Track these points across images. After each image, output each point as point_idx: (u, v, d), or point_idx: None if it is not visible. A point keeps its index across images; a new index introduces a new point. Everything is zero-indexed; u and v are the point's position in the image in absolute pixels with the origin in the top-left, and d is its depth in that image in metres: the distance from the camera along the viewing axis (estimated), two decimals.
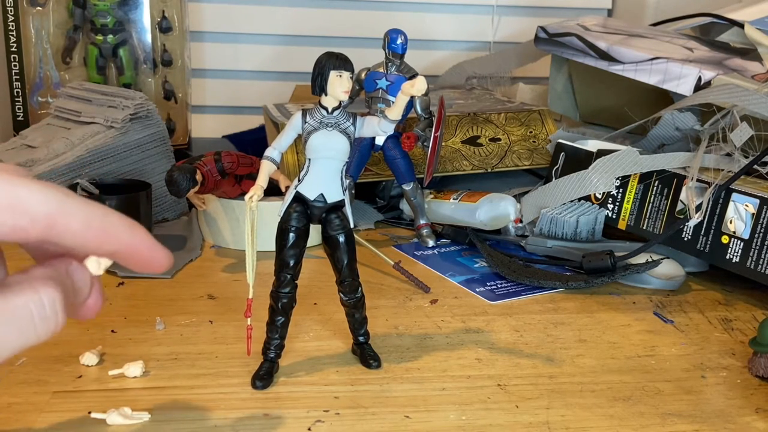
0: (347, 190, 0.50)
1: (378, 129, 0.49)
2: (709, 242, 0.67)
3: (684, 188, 0.69)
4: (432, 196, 0.86)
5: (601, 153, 0.77)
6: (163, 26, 0.97)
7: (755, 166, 0.68)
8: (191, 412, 0.46)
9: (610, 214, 0.76)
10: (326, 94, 0.48)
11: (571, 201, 0.77)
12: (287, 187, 0.61)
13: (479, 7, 1.24)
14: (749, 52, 0.85)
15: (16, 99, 0.96)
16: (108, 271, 0.68)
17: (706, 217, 0.67)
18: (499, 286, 0.69)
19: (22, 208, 0.27)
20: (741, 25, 0.90)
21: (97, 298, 0.32)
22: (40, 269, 0.29)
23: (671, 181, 0.71)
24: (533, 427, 0.46)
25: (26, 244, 0.31)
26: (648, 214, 0.73)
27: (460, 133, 0.90)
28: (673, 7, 1.13)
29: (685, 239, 0.69)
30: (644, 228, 0.73)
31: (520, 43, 1.15)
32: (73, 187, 0.74)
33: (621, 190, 0.76)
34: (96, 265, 0.31)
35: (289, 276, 0.49)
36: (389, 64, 0.77)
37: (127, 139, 0.81)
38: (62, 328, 0.28)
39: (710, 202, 0.66)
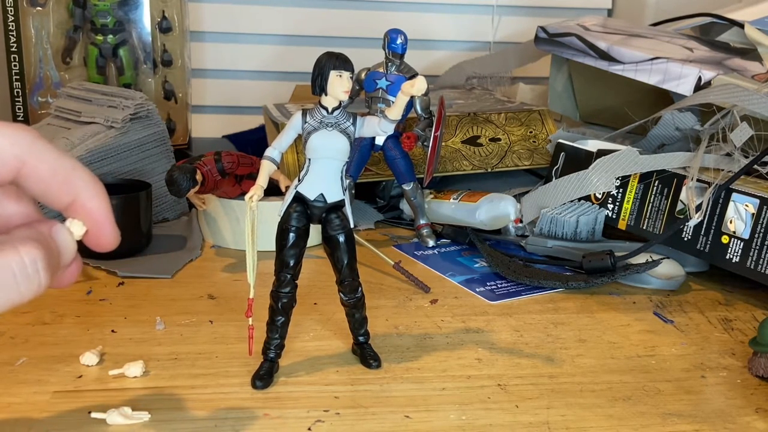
0: (347, 190, 0.50)
1: (378, 129, 0.49)
2: (709, 242, 0.67)
3: (684, 188, 0.69)
4: (432, 196, 0.86)
5: (601, 153, 0.77)
6: (163, 26, 0.97)
7: (755, 166, 0.68)
8: (191, 412, 0.46)
9: (610, 214, 0.76)
10: (326, 94, 0.48)
11: (571, 201, 0.77)
12: (287, 187, 0.61)
13: (479, 7, 1.24)
14: (749, 52, 0.85)
15: (16, 99, 0.95)
16: (108, 271, 0.68)
17: (706, 217, 0.67)
18: (499, 286, 0.69)
19: None
20: (741, 25, 0.90)
21: (78, 263, 0.32)
22: (21, 230, 0.29)
23: (671, 181, 0.71)
24: (533, 427, 0.46)
25: None
26: (648, 214, 0.73)
27: (460, 133, 0.90)
28: (673, 7, 1.13)
29: (685, 239, 0.69)
30: (644, 228, 0.73)
31: (520, 43, 1.15)
32: None
33: (621, 190, 0.76)
34: (78, 228, 0.31)
35: (289, 276, 0.49)
36: (389, 64, 0.77)
37: (127, 139, 0.81)
38: (45, 289, 0.28)
39: (710, 202, 0.66)
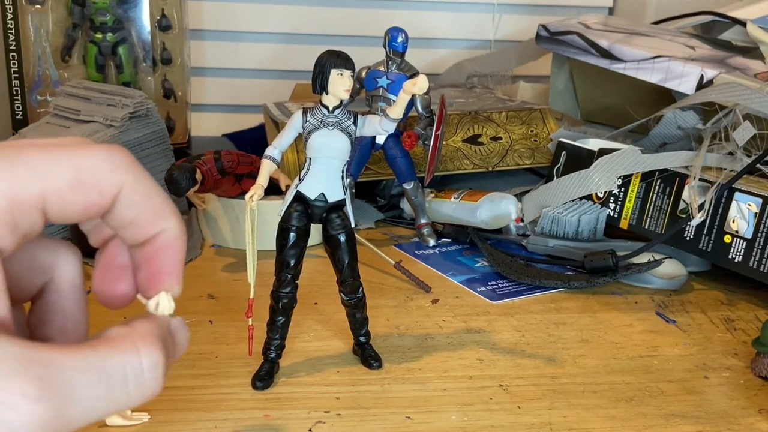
0: (348, 189, 0.49)
1: (379, 128, 0.49)
2: (711, 242, 0.67)
3: (686, 187, 0.69)
4: (433, 195, 0.86)
5: (603, 152, 0.77)
6: (162, 24, 0.97)
7: (758, 165, 0.67)
8: (191, 413, 0.46)
9: (611, 214, 0.76)
10: (327, 93, 0.47)
11: (573, 200, 0.77)
12: (287, 187, 0.61)
13: (480, 5, 1.23)
14: (751, 51, 0.85)
15: (15, 98, 0.95)
16: None
17: (709, 216, 0.67)
18: (500, 285, 0.69)
19: (91, 181, 0.23)
20: (743, 24, 0.90)
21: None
22: (145, 324, 0.24)
23: (673, 180, 0.71)
24: (536, 428, 0.46)
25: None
26: (650, 213, 0.73)
27: (461, 131, 0.90)
28: (674, 6, 1.12)
29: (688, 239, 0.69)
30: (646, 227, 0.73)
31: (521, 41, 1.14)
32: None
33: (623, 189, 0.75)
34: (166, 306, 0.26)
35: (289, 276, 0.49)
36: (390, 62, 0.76)
37: (126, 138, 0.80)
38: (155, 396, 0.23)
39: (713, 202, 0.66)
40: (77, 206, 0.23)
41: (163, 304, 0.25)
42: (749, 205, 0.64)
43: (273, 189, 0.62)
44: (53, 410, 0.20)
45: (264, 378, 0.49)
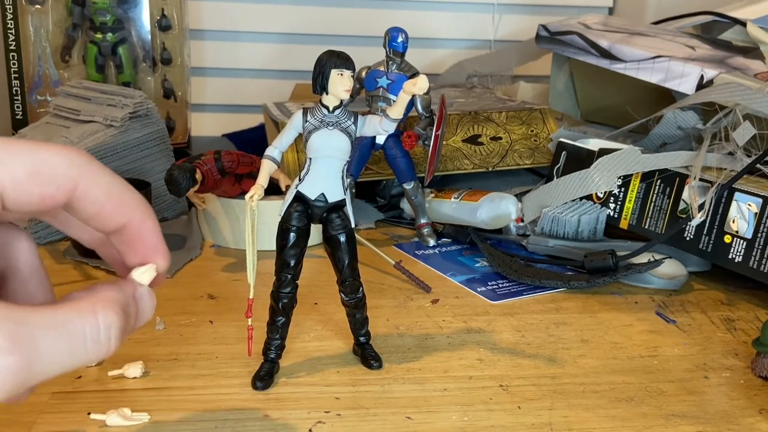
0: (348, 189, 0.49)
1: (379, 128, 0.49)
2: (711, 242, 0.67)
3: (686, 187, 0.69)
4: (433, 195, 0.86)
5: (603, 152, 0.77)
6: (162, 24, 0.97)
7: (758, 165, 0.67)
8: (191, 413, 0.46)
9: (611, 214, 0.76)
10: (327, 93, 0.47)
11: (573, 200, 0.77)
12: (288, 187, 0.61)
13: (480, 6, 1.23)
14: (751, 51, 0.85)
15: (15, 98, 0.95)
16: (107, 271, 0.67)
17: (709, 216, 0.67)
18: (500, 285, 0.69)
19: (48, 174, 0.26)
20: (743, 24, 0.90)
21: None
22: (106, 289, 0.27)
23: (673, 180, 0.71)
24: (536, 428, 0.46)
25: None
26: (650, 213, 0.73)
27: (461, 131, 0.90)
28: (674, 5, 1.12)
29: (688, 239, 0.69)
30: (646, 227, 0.73)
31: (521, 41, 1.14)
32: None
33: (623, 189, 0.75)
34: (147, 276, 0.30)
35: (289, 276, 0.49)
36: (390, 62, 0.76)
37: (126, 138, 0.80)
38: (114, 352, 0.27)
39: (713, 202, 0.66)
40: (33, 196, 0.26)
41: (146, 274, 0.30)
42: (749, 205, 0.64)
43: (273, 189, 0.62)
44: (23, 362, 0.23)
45: (264, 378, 0.49)
